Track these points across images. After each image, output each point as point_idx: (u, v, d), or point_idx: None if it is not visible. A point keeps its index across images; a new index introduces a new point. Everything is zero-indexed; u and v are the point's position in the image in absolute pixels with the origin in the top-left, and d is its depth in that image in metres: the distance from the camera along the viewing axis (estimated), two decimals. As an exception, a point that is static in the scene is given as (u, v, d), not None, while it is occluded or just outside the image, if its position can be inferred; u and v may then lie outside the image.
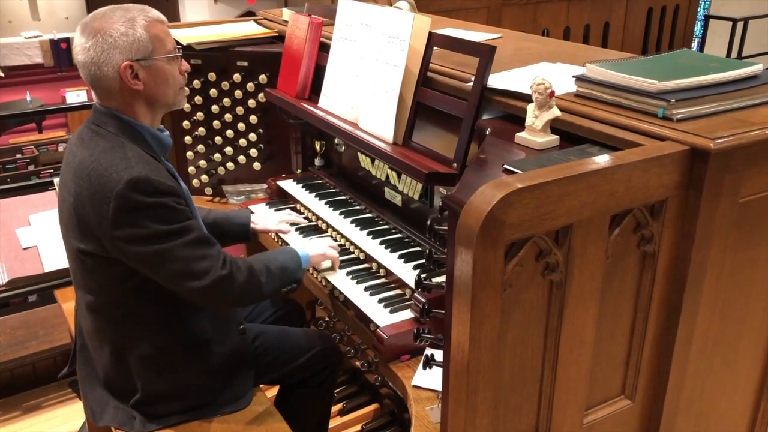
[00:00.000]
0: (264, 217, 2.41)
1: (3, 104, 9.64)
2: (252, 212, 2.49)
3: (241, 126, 2.84)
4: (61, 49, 12.19)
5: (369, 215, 2.44)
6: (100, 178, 1.66)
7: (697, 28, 7.14)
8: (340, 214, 2.45)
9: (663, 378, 1.59)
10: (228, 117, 2.82)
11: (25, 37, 12.18)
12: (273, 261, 1.94)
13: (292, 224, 2.44)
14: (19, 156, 8.46)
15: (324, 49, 2.49)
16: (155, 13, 1.78)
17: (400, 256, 2.14)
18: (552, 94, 1.55)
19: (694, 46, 7.25)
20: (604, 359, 1.51)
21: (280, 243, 2.39)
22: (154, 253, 1.68)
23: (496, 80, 1.84)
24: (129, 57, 1.71)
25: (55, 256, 2.54)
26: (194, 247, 1.72)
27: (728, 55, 6.91)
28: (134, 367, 1.87)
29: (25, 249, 2.63)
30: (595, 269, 1.38)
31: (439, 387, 1.70)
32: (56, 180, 3.10)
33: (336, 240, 2.36)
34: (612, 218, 1.36)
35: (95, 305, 1.85)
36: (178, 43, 2.09)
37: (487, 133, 1.74)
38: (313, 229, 2.47)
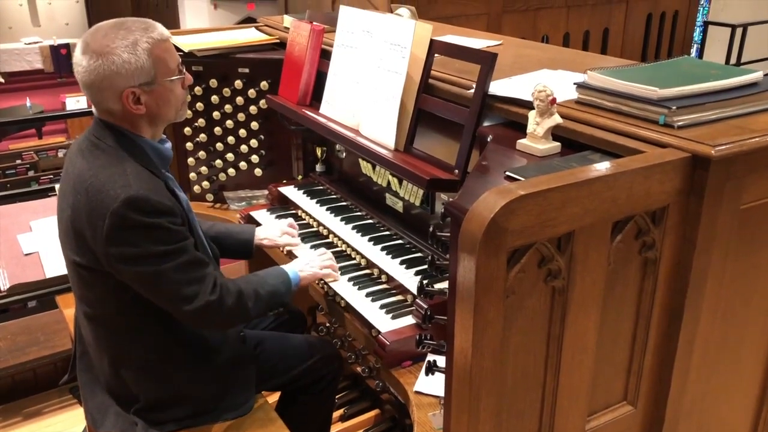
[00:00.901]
0: (269, 231, 2.33)
1: (3, 110, 9.65)
2: (260, 224, 2.45)
3: (242, 132, 2.85)
4: (60, 55, 12.25)
5: (370, 221, 2.45)
6: (98, 194, 1.65)
7: (696, 34, 7.16)
8: (341, 220, 2.45)
9: (665, 384, 1.59)
10: (229, 123, 2.83)
11: (26, 43, 12.25)
12: (263, 285, 1.92)
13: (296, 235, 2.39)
14: (18, 162, 8.46)
15: (325, 55, 2.50)
16: (158, 32, 1.74)
17: (402, 262, 2.14)
18: (553, 101, 1.56)
19: (693, 52, 7.28)
20: (606, 365, 1.51)
21: (286, 254, 2.38)
22: (146, 274, 1.68)
23: (497, 87, 1.85)
24: (131, 84, 1.69)
25: (56, 262, 2.54)
26: (186, 270, 1.71)
27: (727, 61, 6.93)
28: (135, 376, 1.86)
29: (26, 255, 2.63)
30: (597, 276, 1.38)
31: (441, 393, 1.70)
32: (57, 186, 3.11)
33: (337, 246, 2.36)
34: (614, 225, 1.37)
35: (93, 315, 1.84)
36: (178, 49, 2.09)
37: (488, 139, 1.74)
38: (314, 235, 2.47)
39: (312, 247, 2.35)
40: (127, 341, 1.84)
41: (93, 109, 1.79)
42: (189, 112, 2.78)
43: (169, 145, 1.89)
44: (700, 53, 7.48)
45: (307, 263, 2.11)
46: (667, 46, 6.23)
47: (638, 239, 1.43)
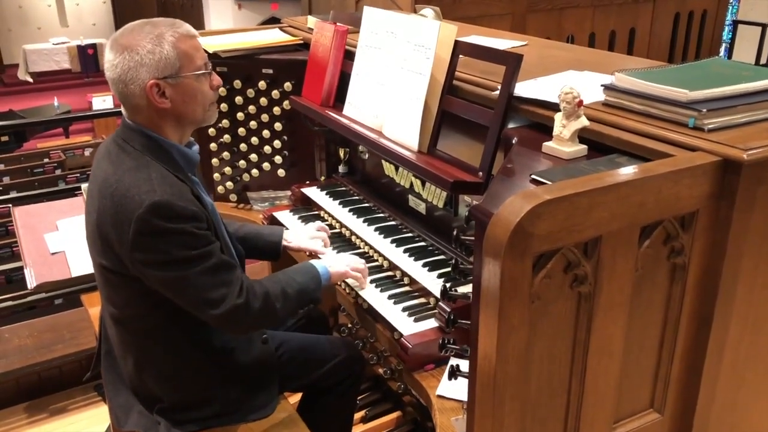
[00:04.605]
0: (297, 234, 2.32)
1: (31, 109, 9.82)
2: (286, 228, 2.46)
3: (265, 133, 2.86)
4: (87, 55, 12.43)
5: (393, 223, 2.44)
6: (123, 199, 1.65)
7: (725, 34, 7.04)
8: (364, 221, 2.45)
9: (693, 391, 1.56)
10: (253, 124, 2.84)
11: (54, 44, 12.45)
12: (291, 284, 1.90)
13: (325, 240, 2.37)
14: (46, 160, 8.58)
15: (349, 56, 2.50)
16: (185, 29, 1.75)
17: (425, 265, 2.13)
18: (580, 103, 1.53)
19: (722, 51, 7.16)
20: (632, 372, 1.49)
21: (308, 256, 2.36)
22: (172, 278, 1.68)
23: (523, 89, 1.83)
24: (155, 75, 1.69)
25: (82, 261, 2.57)
26: (212, 274, 1.70)
27: (757, 61, 6.82)
28: (158, 378, 1.88)
29: (53, 254, 2.66)
30: (625, 281, 1.36)
31: (464, 397, 1.69)
32: (83, 186, 3.14)
33: (359, 248, 2.35)
34: (642, 230, 1.35)
35: (119, 317, 1.86)
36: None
37: (513, 142, 1.73)
38: (337, 236, 2.47)
39: (335, 249, 2.35)
40: (151, 344, 1.85)
41: (122, 110, 1.80)
42: (213, 113, 2.79)
43: (196, 148, 1.89)
44: (729, 53, 7.36)
45: (338, 260, 2.11)
46: (695, 46, 6.12)
47: (667, 244, 1.40)
